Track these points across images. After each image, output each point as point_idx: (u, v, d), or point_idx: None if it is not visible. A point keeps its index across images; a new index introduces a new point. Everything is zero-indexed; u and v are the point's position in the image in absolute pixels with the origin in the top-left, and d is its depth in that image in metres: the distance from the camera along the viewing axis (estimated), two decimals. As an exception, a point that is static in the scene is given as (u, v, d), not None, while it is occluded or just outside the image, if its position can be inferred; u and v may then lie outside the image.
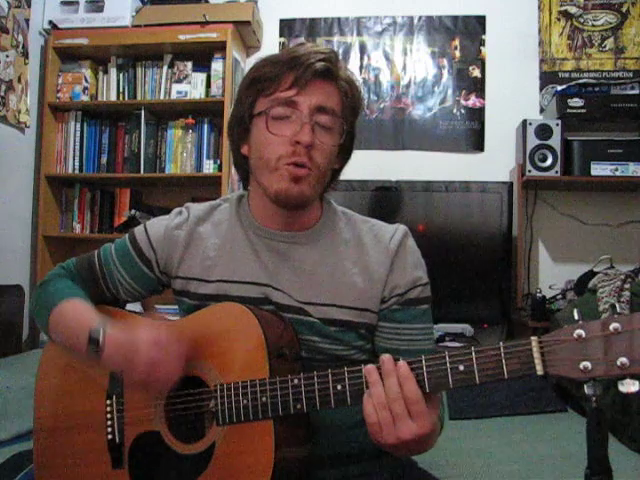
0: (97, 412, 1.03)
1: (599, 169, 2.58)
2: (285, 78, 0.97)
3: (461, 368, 0.75)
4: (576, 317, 0.71)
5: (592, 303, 2.09)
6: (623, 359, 0.67)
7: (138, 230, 1.12)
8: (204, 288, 1.04)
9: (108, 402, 1.02)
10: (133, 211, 2.78)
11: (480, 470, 1.48)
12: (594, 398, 0.70)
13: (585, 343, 0.69)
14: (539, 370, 0.71)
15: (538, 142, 2.60)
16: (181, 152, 2.91)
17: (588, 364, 0.69)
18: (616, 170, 2.57)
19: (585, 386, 0.70)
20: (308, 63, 0.96)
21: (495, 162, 2.91)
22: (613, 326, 0.68)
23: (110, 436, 1.01)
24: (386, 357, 0.79)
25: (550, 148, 2.59)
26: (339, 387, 0.84)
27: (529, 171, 2.60)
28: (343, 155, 1.09)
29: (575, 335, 0.70)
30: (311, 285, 1.02)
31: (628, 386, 0.68)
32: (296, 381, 0.87)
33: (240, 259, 1.04)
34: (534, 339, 0.72)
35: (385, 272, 1.02)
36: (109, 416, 1.02)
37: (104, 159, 2.96)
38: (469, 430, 1.83)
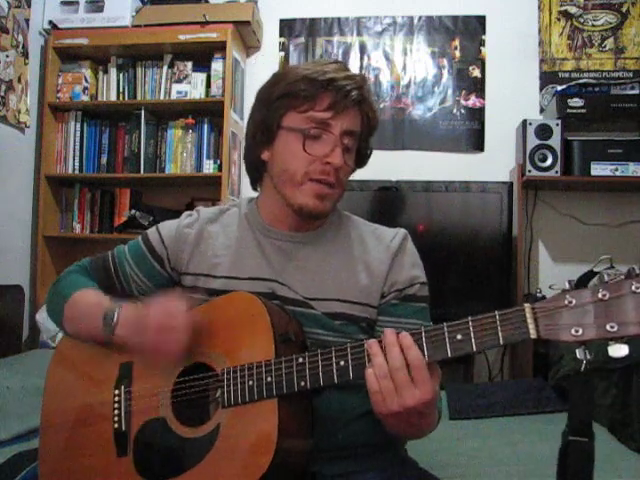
0: (105, 404, 1.05)
1: (599, 169, 2.58)
2: (321, 99, 1.02)
3: (459, 337, 0.79)
4: (567, 286, 0.75)
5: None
6: (612, 324, 0.71)
7: (151, 230, 1.18)
8: (212, 283, 1.09)
9: (116, 392, 1.04)
10: (133, 211, 2.78)
11: (480, 470, 1.48)
12: (584, 362, 0.74)
13: (576, 309, 0.73)
14: (532, 334, 0.75)
15: (538, 142, 2.60)
16: (181, 152, 2.91)
17: (579, 329, 0.73)
18: (616, 170, 2.57)
19: (577, 350, 0.74)
20: (346, 90, 1.02)
21: (495, 162, 2.91)
22: (602, 293, 0.72)
23: (117, 425, 1.03)
24: (388, 330, 0.83)
25: (550, 148, 2.59)
26: (342, 363, 0.87)
27: (529, 171, 2.60)
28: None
29: (566, 302, 0.74)
30: (315, 282, 1.06)
31: (617, 350, 0.71)
32: (300, 360, 0.90)
33: (247, 257, 1.09)
34: (527, 305, 0.76)
35: (386, 269, 1.07)
36: (116, 406, 1.04)
37: (104, 159, 2.96)
38: (469, 430, 1.83)
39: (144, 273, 1.15)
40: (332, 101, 1.02)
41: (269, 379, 0.91)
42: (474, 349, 0.79)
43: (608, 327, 0.71)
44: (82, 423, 1.06)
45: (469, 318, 0.80)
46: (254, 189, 1.19)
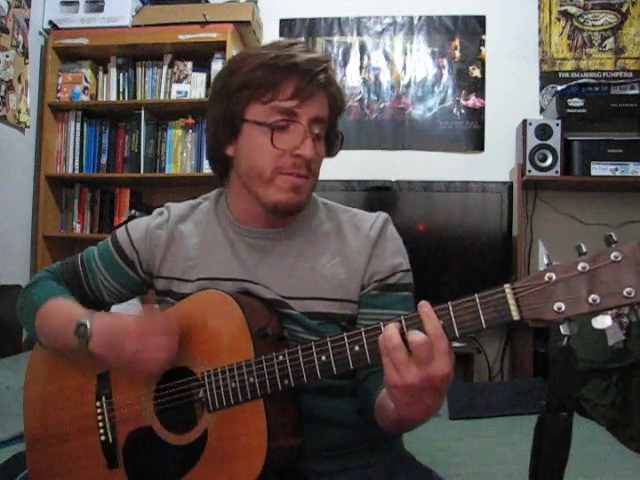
0: (88, 416, 1.02)
1: (599, 169, 2.58)
2: (285, 86, 0.95)
3: (440, 322, 0.75)
4: (545, 261, 0.73)
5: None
6: (594, 296, 0.69)
7: (120, 232, 1.12)
8: (185, 288, 1.05)
9: (98, 404, 1.02)
10: (133, 211, 2.78)
11: (480, 470, 1.48)
12: (566, 338, 0.73)
13: (556, 285, 0.71)
14: (515, 316, 0.73)
15: (538, 142, 2.60)
16: (181, 152, 2.91)
17: (561, 305, 0.70)
18: (616, 170, 2.57)
19: (561, 327, 0.72)
20: (311, 74, 0.95)
21: (495, 162, 2.91)
22: (581, 265, 0.70)
23: (103, 437, 1.01)
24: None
25: (550, 148, 2.59)
26: (324, 358, 0.84)
27: (529, 171, 2.60)
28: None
29: (546, 278, 0.71)
30: (291, 279, 1.02)
31: (602, 322, 0.69)
32: (281, 357, 0.87)
33: (219, 258, 1.05)
34: (507, 286, 0.74)
35: (365, 260, 1.02)
36: (100, 417, 1.02)
37: (104, 159, 2.95)
38: (469, 430, 1.83)
39: (115, 278, 1.10)
40: (296, 87, 0.94)
41: (251, 380, 0.88)
42: (457, 335, 0.76)
43: (590, 300, 0.69)
44: (67, 437, 1.04)
45: (449, 303, 0.77)
46: (222, 185, 1.12)
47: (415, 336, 0.74)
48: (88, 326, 0.94)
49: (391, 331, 0.76)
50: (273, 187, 0.98)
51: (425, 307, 0.76)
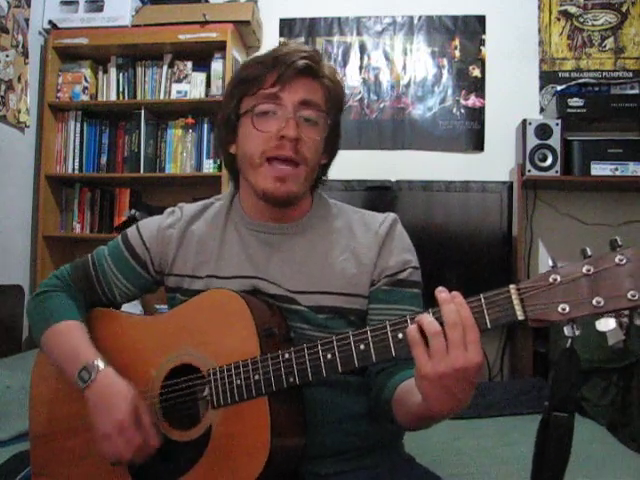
0: None
1: (599, 169, 2.58)
2: (269, 77, 1.00)
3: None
4: (550, 263, 0.74)
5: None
6: (598, 298, 0.69)
7: (131, 231, 1.14)
8: (195, 284, 1.07)
9: None
10: (133, 211, 2.78)
11: (480, 470, 1.48)
12: (570, 339, 0.73)
13: (561, 286, 0.72)
14: (520, 316, 0.73)
15: (538, 142, 2.60)
16: (181, 152, 2.91)
17: (566, 306, 0.71)
18: (616, 170, 2.57)
19: (564, 328, 0.72)
20: (290, 61, 0.99)
21: (495, 162, 2.91)
22: (586, 268, 0.70)
23: None
24: (440, 288, 0.78)
25: (550, 148, 2.59)
26: (329, 356, 0.85)
27: (529, 171, 2.60)
28: (329, 150, 1.09)
29: (551, 280, 0.72)
30: (301, 274, 1.03)
31: (605, 324, 0.70)
32: (287, 355, 0.88)
33: (229, 254, 1.07)
34: (512, 287, 0.74)
35: (374, 256, 1.04)
36: None
37: (104, 159, 2.96)
38: (469, 429, 1.83)
39: (126, 277, 1.12)
40: (278, 75, 0.99)
41: (257, 377, 0.89)
42: None
43: (595, 302, 0.69)
44: (73, 432, 1.04)
45: None
46: (236, 186, 1.15)
47: (450, 316, 0.74)
48: (93, 374, 0.97)
49: (429, 318, 0.76)
50: (260, 175, 1.01)
51: (458, 297, 0.76)
